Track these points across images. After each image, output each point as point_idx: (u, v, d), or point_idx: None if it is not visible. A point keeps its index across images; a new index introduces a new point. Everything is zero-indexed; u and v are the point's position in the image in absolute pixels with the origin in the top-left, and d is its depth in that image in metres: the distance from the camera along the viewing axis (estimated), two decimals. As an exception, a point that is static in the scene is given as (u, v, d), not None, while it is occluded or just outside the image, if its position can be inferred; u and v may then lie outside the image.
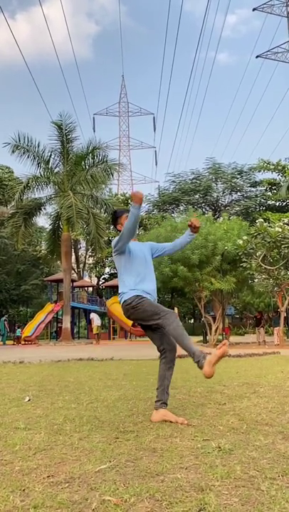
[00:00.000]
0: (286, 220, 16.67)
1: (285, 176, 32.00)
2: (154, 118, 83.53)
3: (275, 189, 34.72)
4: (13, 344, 24.23)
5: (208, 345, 15.52)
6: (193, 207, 33.04)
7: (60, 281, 27.15)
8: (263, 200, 36.65)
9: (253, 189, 37.46)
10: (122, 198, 40.81)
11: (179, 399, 3.69)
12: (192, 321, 46.50)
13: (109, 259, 39.13)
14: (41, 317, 26.78)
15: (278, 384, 4.49)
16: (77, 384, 4.84)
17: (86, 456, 2.16)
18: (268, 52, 43.61)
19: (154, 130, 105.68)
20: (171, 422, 2.79)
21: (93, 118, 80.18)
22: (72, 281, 27.98)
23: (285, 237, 14.31)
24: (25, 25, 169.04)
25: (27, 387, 4.60)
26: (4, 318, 26.41)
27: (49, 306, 28.10)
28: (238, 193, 37.98)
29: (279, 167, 33.19)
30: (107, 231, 26.84)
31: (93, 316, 22.95)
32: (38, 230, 38.90)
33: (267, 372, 5.57)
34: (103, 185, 27.45)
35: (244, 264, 14.79)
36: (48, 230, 27.78)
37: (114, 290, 32.70)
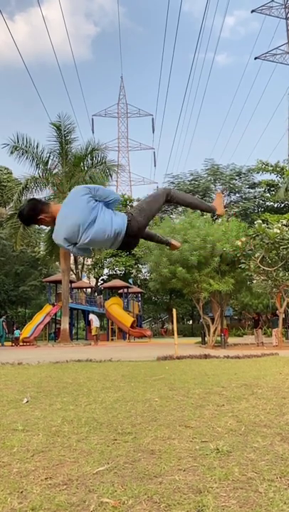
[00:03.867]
0: (284, 222, 16.70)
1: (283, 178, 32.05)
2: (152, 119, 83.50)
3: (273, 190, 34.78)
4: (12, 345, 24.18)
5: (206, 347, 15.53)
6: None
7: (58, 282, 27.11)
8: (261, 201, 36.70)
9: (251, 190, 37.52)
10: (120, 199, 40.70)
11: (178, 400, 3.68)
12: (191, 322, 46.48)
13: (107, 260, 39.13)
14: (40, 318, 26.73)
15: (277, 385, 4.49)
16: (76, 385, 4.83)
17: (84, 457, 2.15)
18: (267, 54, 43.83)
19: (153, 131, 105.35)
20: None
21: (92, 119, 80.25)
22: (71, 282, 27.94)
23: (283, 239, 14.33)
24: (23, 26, 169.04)
25: (25, 389, 4.59)
26: (2, 319, 26.33)
27: (48, 307, 28.06)
28: (237, 195, 38.04)
29: (277, 168, 33.25)
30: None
31: (92, 317, 22.94)
32: (37, 231, 38.81)
33: (265, 374, 5.57)
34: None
35: (243, 266, 14.80)
36: (46, 231, 27.70)
37: (112, 291, 32.70)
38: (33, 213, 2.66)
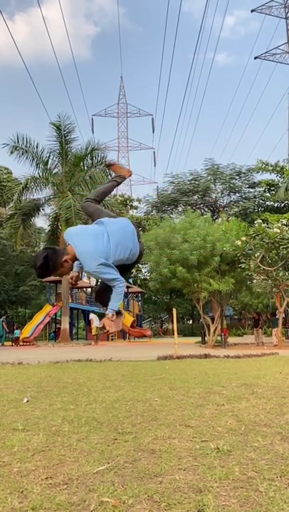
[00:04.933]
0: (284, 221, 16.70)
1: (283, 177, 32.05)
2: (152, 119, 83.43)
3: (273, 190, 34.77)
4: (12, 345, 24.17)
5: (206, 346, 15.53)
6: (191, 208, 33.06)
7: (58, 282, 27.10)
8: (261, 201, 36.67)
9: (251, 190, 37.48)
10: (120, 198, 40.79)
11: (178, 400, 3.69)
12: (191, 321, 46.48)
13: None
14: (40, 318, 26.72)
15: (277, 385, 4.49)
16: (76, 385, 4.83)
17: (84, 457, 2.15)
18: (266, 54, 43.82)
19: (153, 131, 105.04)
20: None
21: (92, 119, 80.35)
22: (71, 282, 27.89)
23: (283, 238, 14.33)
24: (23, 26, 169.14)
25: (25, 389, 4.59)
26: (2, 319, 26.31)
27: (48, 307, 28.05)
28: (237, 194, 38.00)
29: (277, 168, 33.25)
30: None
31: (92, 316, 22.94)
32: (37, 231, 38.85)
33: (265, 373, 5.57)
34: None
35: (243, 265, 14.79)
36: (46, 230, 27.70)
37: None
38: (57, 257, 2.64)
